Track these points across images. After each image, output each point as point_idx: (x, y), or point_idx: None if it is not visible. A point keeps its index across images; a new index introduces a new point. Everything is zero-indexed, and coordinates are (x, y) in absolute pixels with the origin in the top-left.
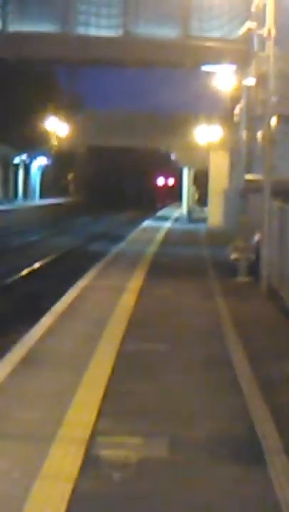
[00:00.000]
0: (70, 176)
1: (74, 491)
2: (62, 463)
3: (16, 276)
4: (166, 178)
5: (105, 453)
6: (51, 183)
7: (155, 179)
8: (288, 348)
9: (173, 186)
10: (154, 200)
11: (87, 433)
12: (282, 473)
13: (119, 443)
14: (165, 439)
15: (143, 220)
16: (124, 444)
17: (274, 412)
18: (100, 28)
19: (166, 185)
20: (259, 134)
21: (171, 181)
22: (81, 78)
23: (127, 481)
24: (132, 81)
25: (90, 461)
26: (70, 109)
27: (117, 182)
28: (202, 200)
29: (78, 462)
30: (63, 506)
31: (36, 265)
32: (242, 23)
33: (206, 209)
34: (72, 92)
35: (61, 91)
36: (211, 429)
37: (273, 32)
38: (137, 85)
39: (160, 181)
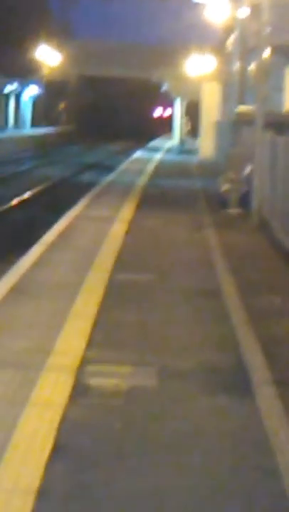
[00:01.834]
0: (61, 106)
1: (63, 418)
2: (52, 391)
3: (6, 206)
4: (164, 108)
5: (94, 381)
6: (42, 112)
7: (152, 109)
8: (278, 280)
9: (169, 117)
10: (151, 130)
11: (76, 362)
12: (269, 404)
13: (109, 372)
14: (154, 368)
15: (135, 151)
16: (114, 372)
17: (263, 343)
18: None
19: (164, 115)
20: (252, 66)
21: (168, 112)
22: (73, 7)
23: (115, 409)
24: (125, 11)
25: (79, 390)
26: (61, 37)
27: (110, 112)
28: (194, 131)
29: (67, 390)
30: (52, 434)
31: (26, 195)
32: None
33: (197, 140)
34: (64, 20)
35: (53, 19)
36: (200, 359)
37: None
38: (130, 15)
39: (158, 112)
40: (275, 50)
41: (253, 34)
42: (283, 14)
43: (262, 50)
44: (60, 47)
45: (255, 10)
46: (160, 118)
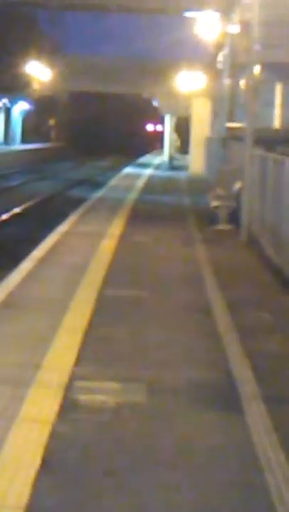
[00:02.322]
0: (51, 122)
1: (51, 434)
2: (40, 407)
3: None
4: (155, 124)
5: (83, 398)
6: (32, 128)
7: (143, 125)
8: (267, 296)
9: (160, 133)
10: (141, 146)
11: (65, 378)
12: (259, 419)
13: (98, 388)
14: (143, 384)
15: (125, 167)
16: (102, 388)
17: (252, 358)
18: None
19: (155, 131)
20: (242, 82)
21: (159, 128)
22: (63, 23)
23: (104, 425)
24: (115, 27)
25: (68, 406)
26: (51, 53)
27: (100, 128)
28: (184, 147)
29: (56, 406)
30: (40, 449)
31: (16, 210)
32: None
33: (187, 157)
34: (54, 36)
35: (43, 35)
36: (189, 375)
37: None
38: (120, 31)
39: (150, 127)
40: (265, 67)
41: (243, 51)
42: (273, 31)
43: (252, 66)
44: (50, 62)
45: (245, 27)
46: (150, 134)
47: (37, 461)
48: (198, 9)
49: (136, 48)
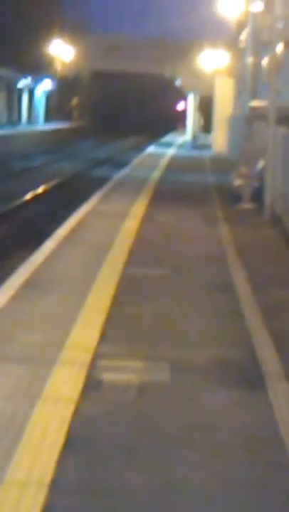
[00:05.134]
0: (74, 101)
1: (75, 413)
2: (64, 385)
3: (19, 201)
4: (177, 103)
5: (107, 376)
6: (56, 107)
7: (166, 105)
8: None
9: (183, 112)
10: (164, 125)
11: (89, 356)
12: (282, 398)
13: (121, 366)
14: (166, 362)
15: (148, 146)
16: (126, 367)
17: (275, 337)
18: None
19: (178, 110)
20: (265, 60)
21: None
22: (86, 2)
23: (127, 404)
24: (138, 6)
25: (92, 384)
26: (74, 32)
27: (122, 107)
28: (207, 126)
29: (80, 385)
30: (64, 428)
31: (40, 190)
32: None
33: (210, 136)
34: (77, 16)
35: (66, 14)
36: (212, 353)
37: None
38: (142, 10)
39: (172, 107)
40: (288, 44)
41: (266, 29)
42: None
43: (275, 44)
44: (73, 42)
45: (269, 4)
46: (173, 113)
47: (61, 439)
48: None
49: (158, 27)
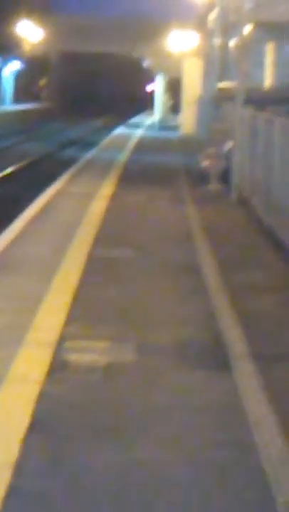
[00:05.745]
0: (43, 82)
1: (41, 393)
2: (30, 366)
3: None
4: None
5: (73, 357)
6: (24, 88)
7: (135, 86)
8: (256, 257)
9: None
10: (133, 106)
11: (54, 337)
12: (246, 378)
13: (87, 347)
14: (132, 343)
15: (117, 127)
16: (92, 348)
17: (241, 318)
18: None
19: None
20: (233, 42)
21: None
22: None
23: (93, 385)
24: None
25: (57, 365)
26: (42, 13)
27: (91, 88)
28: (176, 107)
29: (45, 366)
30: (30, 408)
31: (8, 170)
32: None
33: (179, 116)
34: None
35: None
36: (178, 334)
37: None
38: None
39: (141, 88)
40: (257, 26)
41: (235, 10)
42: None
43: (243, 25)
44: (41, 22)
45: None
46: (143, 94)
47: (26, 420)
48: None
49: (127, 8)
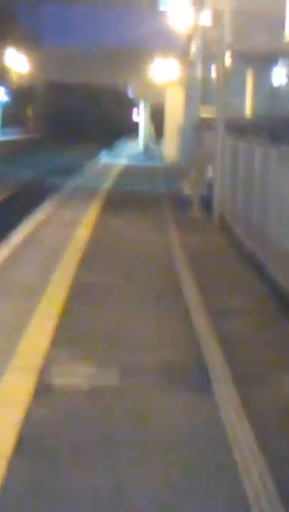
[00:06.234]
0: (30, 111)
1: (26, 417)
2: (15, 390)
3: None
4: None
5: (57, 381)
6: (11, 119)
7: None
8: (236, 277)
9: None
10: (117, 132)
11: (40, 361)
12: (227, 401)
13: (72, 371)
14: (116, 367)
15: (102, 156)
16: (76, 372)
17: (222, 338)
18: None
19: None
20: (213, 72)
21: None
22: (39, 15)
23: (78, 408)
24: (90, 17)
25: (42, 389)
26: (28, 43)
27: (77, 116)
28: (159, 134)
29: (30, 390)
30: (14, 431)
31: None
32: None
33: (162, 143)
34: (30, 26)
35: (20, 26)
36: (161, 358)
37: None
38: (95, 22)
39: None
40: (236, 56)
41: (215, 40)
42: (243, 21)
43: (223, 56)
44: (27, 53)
45: (216, 18)
46: (128, 122)
47: (11, 441)
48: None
49: (110, 38)
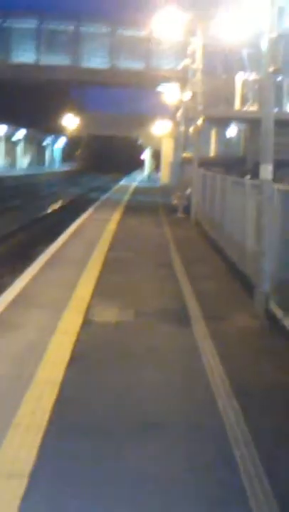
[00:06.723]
0: (77, 152)
1: (77, 340)
2: (69, 324)
3: (45, 212)
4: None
5: (96, 318)
6: (68, 156)
7: (132, 154)
8: (207, 256)
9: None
10: (131, 166)
11: (85, 305)
12: (199, 329)
13: (104, 310)
14: (132, 309)
15: (122, 179)
16: (107, 311)
17: (197, 293)
18: (97, 63)
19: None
20: (191, 128)
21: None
22: (85, 94)
23: (109, 332)
24: (116, 95)
25: (87, 322)
26: (78, 111)
27: (107, 156)
28: (157, 167)
29: (79, 322)
30: (71, 347)
31: (58, 205)
32: (182, 60)
33: (159, 173)
34: (80, 101)
35: (73, 101)
36: (160, 303)
37: (200, 66)
38: (119, 98)
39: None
40: (205, 119)
41: (192, 109)
42: (209, 97)
43: (197, 119)
44: (77, 116)
45: (194, 95)
46: (138, 160)
47: (67, 355)
48: (165, 83)
49: (128, 107)
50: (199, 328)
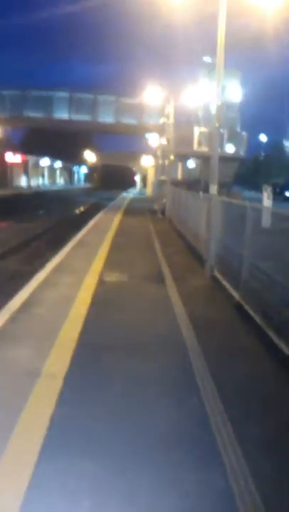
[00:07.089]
0: (95, 175)
1: (95, 291)
2: (90, 282)
3: (73, 214)
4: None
5: (106, 278)
6: (88, 178)
7: (129, 176)
8: (176, 241)
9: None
10: (128, 185)
11: (99, 270)
12: (170, 286)
13: (111, 274)
14: (127, 274)
15: (121, 192)
16: (113, 275)
17: (169, 264)
18: (108, 119)
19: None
20: (166, 161)
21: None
22: (102, 138)
23: (115, 287)
24: (120, 140)
25: (101, 281)
26: (96, 149)
27: (113, 177)
28: (144, 185)
29: (96, 281)
30: (90, 296)
31: (82, 208)
32: (160, 118)
33: (146, 189)
34: (97, 143)
35: (93, 143)
36: (145, 270)
37: (172, 122)
38: (122, 141)
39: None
40: (175, 156)
41: (167, 149)
42: (178, 141)
43: (170, 155)
44: (94, 153)
45: (168, 140)
46: (133, 180)
47: (88, 301)
48: (150, 132)
49: (127, 147)
50: (170, 285)
